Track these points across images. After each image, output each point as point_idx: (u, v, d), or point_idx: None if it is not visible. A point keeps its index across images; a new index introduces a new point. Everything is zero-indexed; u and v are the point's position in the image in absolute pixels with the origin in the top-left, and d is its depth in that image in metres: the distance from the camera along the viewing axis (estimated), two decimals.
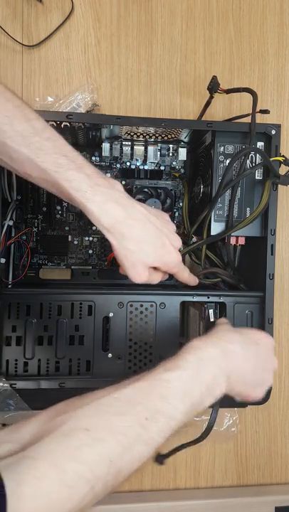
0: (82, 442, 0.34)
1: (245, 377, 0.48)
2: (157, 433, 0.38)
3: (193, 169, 0.71)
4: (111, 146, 0.66)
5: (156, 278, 0.52)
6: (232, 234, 0.60)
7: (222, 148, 0.60)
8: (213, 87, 0.64)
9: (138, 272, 0.48)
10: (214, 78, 0.65)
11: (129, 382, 0.41)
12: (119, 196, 0.45)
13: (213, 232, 0.60)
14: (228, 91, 0.64)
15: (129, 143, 0.67)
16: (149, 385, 0.40)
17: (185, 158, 0.70)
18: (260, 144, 0.60)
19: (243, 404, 0.61)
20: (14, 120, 0.42)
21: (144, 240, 0.47)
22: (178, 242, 0.52)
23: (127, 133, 0.64)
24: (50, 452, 0.33)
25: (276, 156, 0.59)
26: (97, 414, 0.37)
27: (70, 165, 0.43)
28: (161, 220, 0.50)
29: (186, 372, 0.42)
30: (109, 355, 0.57)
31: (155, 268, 0.51)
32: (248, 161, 0.59)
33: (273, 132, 0.59)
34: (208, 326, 0.59)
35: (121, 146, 0.67)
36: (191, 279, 0.58)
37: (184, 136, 0.66)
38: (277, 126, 0.59)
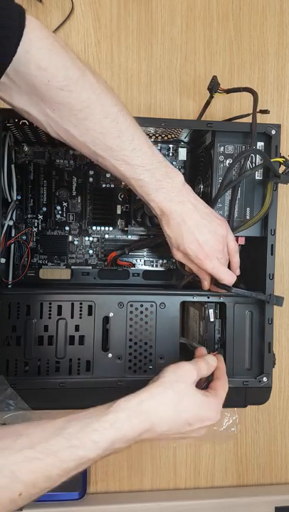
0: None
1: (168, 438, 0.46)
2: (24, 502, 0.38)
3: (193, 169, 0.71)
4: None
5: (192, 266, 0.57)
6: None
7: (222, 148, 0.60)
8: (214, 86, 0.64)
9: (173, 253, 0.57)
10: (214, 78, 0.65)
11: (23, 446, 0.39)
12: (173, 197, 0.52)
13: None
14: (229, 91, 0.64)
15: None
16: (41, 460, 0.38)
17: (185, 158, 0.70)
18: (260, 144, 0.60)
19: (243, 404, 0.61)
20: (107, 136, 0.48)
21: (180, 229, 0.53)
22: (223, 229, 0.56)
23: None
24: None
25: (276, 156, 0.59)
26: None
27: (144, 174, 0.50)
28: (210, 215, 0.55)
29: (88, 455, 0.40)
30: (109, 355, 0.57)
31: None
32: (248, 162, 0.59)
33: (273, 132, 0.59)
34: (208, 326, 0.59)
35: None
36: (232, 282, 0.57)
37: (184, 136, 0.66)
38: (277, 126, 0.59)
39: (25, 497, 0.38)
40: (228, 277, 0.56)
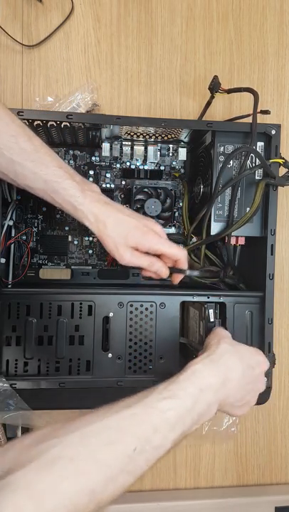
0: (65, 473, 0.34)
1: (235, 402, 0.49)
2: (144, 462, 0.38)
3: (193, 169, 0.71)
4: (111, 146, 0.66)
5: (142, 260, 0.55)
6: (232, 234, 0.60)
7: (222, 148, 0.60)
8: (214, 86, 0.64)
9: (120, 254, 0.53)
10: (215, 78, 0.65)
11: (122, 407, 0.40)
12: (99, 197, 0.54)
13: (213, 232, 0.60)
14: (229, 91, 0.64)
15: (129, 143, 0.67)
16: (142, 412, 0.40)
17: (185, 158, 0.70)
18: (260, 144, 0.60)
19: None
20: (19, 139, 0.49)
21: (120, 225, 0.53)
22: (152, 223, 0.56)
23: (127, 133, 0.64)
24: (30, 483, 0.32)
25: (276, 157, 0.59)
26: (83, 443, 0.36)
27: (65, 175, 0.51)
28: (137, 214, 0.56)
29: (184, 403, 0.42)
30: (109, 355, 0.57)
31: (142, 252, 0.55)
32: (248, 161, 0.59)
33: (273, 132, 0.59)
34: (208, 326, 0.59)
35: (121, 146, 0.67)
36: (181, 254, 0.56)
37: (184, 136, 0.66)
38: (277, 126, 0.59)
39: (140, 452, 0.38)
40: (175, 249, 0.56)
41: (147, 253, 0.55)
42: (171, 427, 0.40)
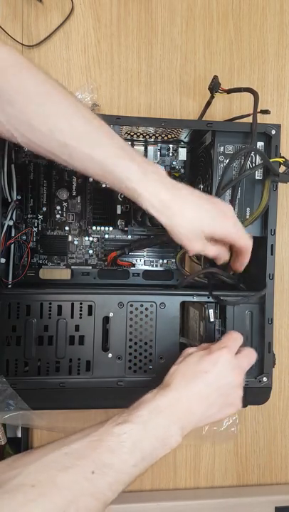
0: (27, 498, 0.35)
1: (204, 415, 0.47)
2: (106, 486, 0.39)
3: (193, 169, 0.71)
4: None
5: (211, 250, 0.52)
6: None
7: (222, 148, 0.60)
8: (214, 86, 0.64)
9: (192, 245, 0.50)
10: (215, 78, 0.65)
11: (79, 436, 0.41)
12: (165, 180, 0.48)
13: None
14: (229, 91, 0.64)
15: (129, 143, 0.67)
16: (98, 438, 0.40)
17: (185, 158, 0.70)
18: (260, 144, 0.60)
19: (243, 405, 0.60)
20: (74, 121, 0.45)
21: (193, 213, 0.48)
22: (228, 208, 0.52)
23: (127, 133, 0.64)
24: None
25: (276, 156, 0.59)
26: (42, 471, 0.37)
27: (125, 157, 0.46)
28: (207, 196, 0.52)
29: (136, 427, 0.42)
30: (109, 355, 0.57)
31: (215, 241, 0.52)
32: (248, 162, 0.59)
33: (273, 132, 0.59)
34: (208, 326, 0.59)
35: None
36: (249, 247, 0.54)
37: (184, 136, 0.66)
38: (277, 126, 0.59)
39: (99, 475, 0.38)
40: (246, 241, 0.54)
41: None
42: (129, 450, 0.41)
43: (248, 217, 0.60)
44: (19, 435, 0.69)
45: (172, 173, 0.71)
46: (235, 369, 0.49)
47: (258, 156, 0.59)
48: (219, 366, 0.48)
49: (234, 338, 0.52)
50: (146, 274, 0.72)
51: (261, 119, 0.61)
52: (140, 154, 0.49)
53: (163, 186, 0.47)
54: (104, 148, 0.46)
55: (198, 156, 0.67)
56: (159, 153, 0.69)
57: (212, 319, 0.59)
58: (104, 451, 0.40)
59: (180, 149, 0.69)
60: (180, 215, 0.48)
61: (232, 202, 0.59)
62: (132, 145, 0.68)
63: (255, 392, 0.59)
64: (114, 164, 0.46)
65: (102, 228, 0.70)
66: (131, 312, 0.58)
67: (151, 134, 0.65)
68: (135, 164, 0.46)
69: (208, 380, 0.47)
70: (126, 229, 0.70)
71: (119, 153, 0.46)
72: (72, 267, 0.70)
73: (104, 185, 0.70)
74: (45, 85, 0.45)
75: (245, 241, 0.53)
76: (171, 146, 0.70)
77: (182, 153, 0.69)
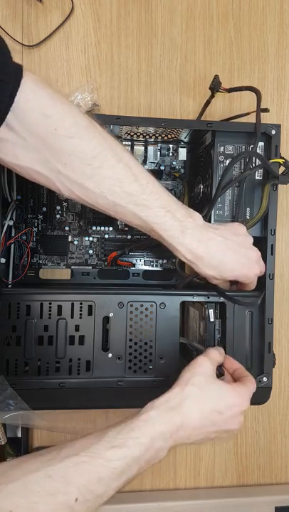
0: None
1: (197, 441, 0.47)
2: (85, 511, 0.38)
3: (193, 169, 0.71)
4: None
5: (225, 285, 0.58)
6: None
7: (222, 148, 0.60)
8: (215, 86, 0.64)
9: (214, 283, 0.55)
10: (216, 77, 0.64)
11: (69, 454, 0.39)
12: (200, 236, 0.50)
13: None
14: (231, 90, 0.64)
15: (129, 143, 0.67)
16: (88, 462, 0.39)
17: (185, 158, 0.70)
18: (260, 144, 0.60)
19: None
20: (124, 182, 0.47)
21: (223, 265, 0.52)
22: (255, 254, 0.55)
23: (127, 133, 0.64)
24: None
25: (276, 157, 0.59)
26: (24, 494, 0.36)
27: (167, 215, 0.49)
28: (238, 237, 0.54)
29: (132, 453, 0.41)
30: (109, 355, 0.57)
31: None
32: (248, 162, 0.59)
33: (273, 132, 0.59)
34: (208, 326, 0.59)
35: None
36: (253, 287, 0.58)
37: (184, 136, 0.66)
38: (277, 126, 0.59)
39: (82, 502, 0.37)
40: (254, 284, 0.58)
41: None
42: (117, 476, 0.40)
43: (248, 217, 0.60)
44: (19, 435, 0.69)
45: (172, 173, 0.71)
46: (243, 413, 0.49)
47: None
48: (233, 412, 0.47)
49: (253, 383, 0.51)
50: (146, 274, 0.72)
51: (261, 119, 0.61)
52: (181, 205, 0.51)
53: (196, 240, 0.50)
54: (150, 211, 0.48)
55: (198, 156, 0.67)
56: (159, 153, 0.69)
57: (212, 319, 0.59)
58: (91, 479, 0.38)
59: (180, 149, 0.69)
60: (204, 262, 0.51)
61: (232, 202, 0.59)
62: (132, 145, 0.68)
63: (255, 392, 0.59)
64: (156, 223, 0.49)
65: (102, 228, 0.70)
66: (131, 312, 0.58)
67: (151, 134, 0.65)
68: (177, 222, 0.49)
69: (219, 421, 0.47)
70: (126, 229, 0.70)
71: (162, 214, 0.48)
72: (72, 267, 0.70)
73: None
74: (101, 146, 0.45)
75: (255, 284, 0.57)
76: (171, 146, 0.70)
77: (182, 153, 0.69)
